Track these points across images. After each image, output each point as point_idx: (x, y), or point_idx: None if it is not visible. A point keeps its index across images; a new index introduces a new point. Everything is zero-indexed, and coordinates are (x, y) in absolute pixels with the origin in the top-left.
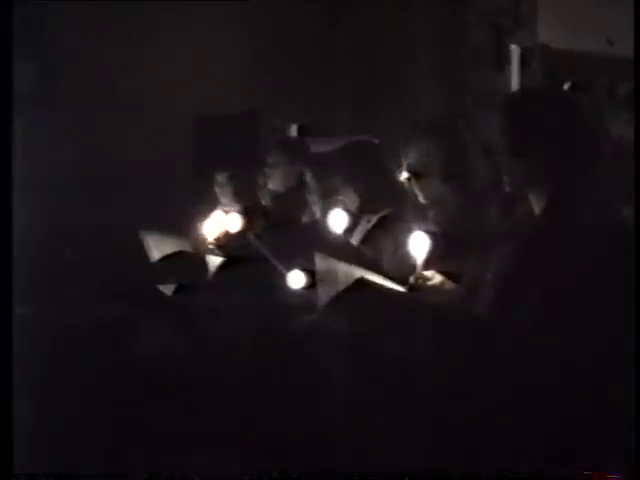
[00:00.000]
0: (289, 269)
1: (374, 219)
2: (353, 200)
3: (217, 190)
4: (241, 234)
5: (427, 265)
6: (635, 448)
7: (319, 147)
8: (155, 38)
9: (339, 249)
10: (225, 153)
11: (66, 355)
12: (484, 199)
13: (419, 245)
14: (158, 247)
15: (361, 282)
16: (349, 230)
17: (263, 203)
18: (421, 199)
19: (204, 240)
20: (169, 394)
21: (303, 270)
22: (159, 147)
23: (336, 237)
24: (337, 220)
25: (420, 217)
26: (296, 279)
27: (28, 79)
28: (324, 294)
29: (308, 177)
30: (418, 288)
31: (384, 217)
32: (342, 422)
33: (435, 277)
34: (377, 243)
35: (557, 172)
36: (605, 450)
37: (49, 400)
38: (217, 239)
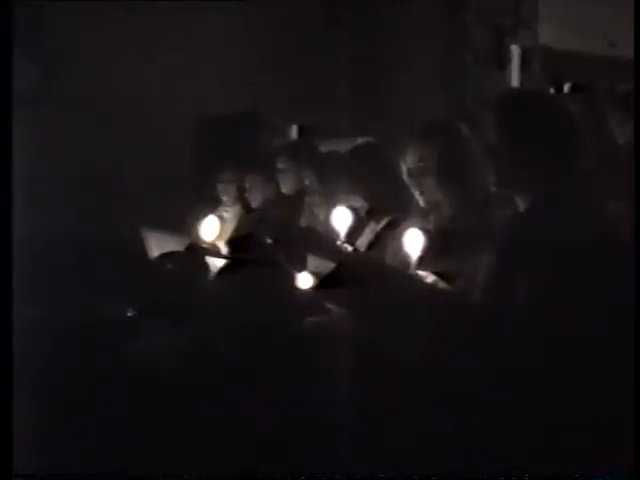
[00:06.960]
0: (296, 270)
1: (383, 222)
2: (360, 203)
3: (220, 190)
4: (242, 235)
5: (425, 264)
6: (635, 448)
7: (327, 147)
8: (155, 38)
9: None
10: (225, 153)
11: (66, 355)
12: (484, 199)
13: (414, 243)
14: (158, 245)
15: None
16: (354, 230)
17: (264, 204)
18: (421, 202)
19: (203, 240)
20: (169, 394)
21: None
22: (159, 147)
23: (339, 237)
24: (341, 219)
25: (422, 219)
26: (304, 280)
27: (28, 79)
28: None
29: (311, 179)
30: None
31: (392, 220)
32: (344, 421)
33: (429, 277)
34: (384, 246)
35: (556, 172)
36: (605, 450)
37: (49, 400)
38: (216, 239)
